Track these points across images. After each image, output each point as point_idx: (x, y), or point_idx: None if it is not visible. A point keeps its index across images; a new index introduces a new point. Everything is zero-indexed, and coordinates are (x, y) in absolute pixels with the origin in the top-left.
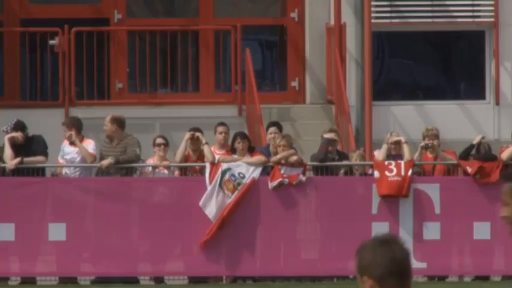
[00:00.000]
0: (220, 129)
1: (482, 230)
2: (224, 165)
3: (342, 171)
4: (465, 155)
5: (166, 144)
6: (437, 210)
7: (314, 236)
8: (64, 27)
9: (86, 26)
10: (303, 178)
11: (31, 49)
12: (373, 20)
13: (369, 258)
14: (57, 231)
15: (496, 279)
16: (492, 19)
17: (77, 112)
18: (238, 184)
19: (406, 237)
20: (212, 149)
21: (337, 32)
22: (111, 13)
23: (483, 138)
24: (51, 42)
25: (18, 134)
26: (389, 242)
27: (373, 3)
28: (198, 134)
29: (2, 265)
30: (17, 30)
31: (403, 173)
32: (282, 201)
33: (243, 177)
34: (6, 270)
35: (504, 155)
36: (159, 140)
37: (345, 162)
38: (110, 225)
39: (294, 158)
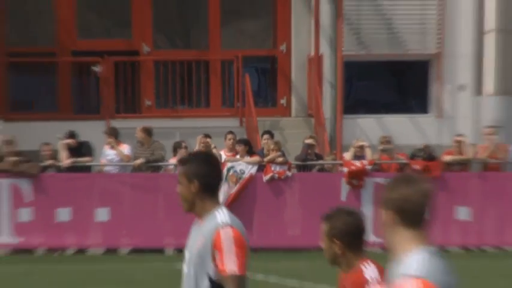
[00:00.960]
0: (230, 136)
1: None
2: (229, 164)
3: (315, 168)
4: (413, 156)
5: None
6: None
7: (297, 218)
8: (104, 57)
9: (121, 56)
10: (289, 174)
11: (79, 74)
12: (344, 52)
13: (404, 193)
14: (102, 214)
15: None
16: (438, 50)
17: (115, 123)
18: (240, 178)
19: (368, 217)
20: (223, 151)
21: (316, 61)
22: (140, 46)
23: (426, 145)
24: (95, 68)
25: (70, 141)
26: (418, 181)
27: (344, 38)
28: (208, 139)
29: (61, 240)
30: (68, 59)
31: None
32: (273, 191)
33: (243, 172)
34: (63, 243)
35: (446, 158)
36: (183, 144)
37: (320, 162)
38: (142, 209)
39: (279, 160)
